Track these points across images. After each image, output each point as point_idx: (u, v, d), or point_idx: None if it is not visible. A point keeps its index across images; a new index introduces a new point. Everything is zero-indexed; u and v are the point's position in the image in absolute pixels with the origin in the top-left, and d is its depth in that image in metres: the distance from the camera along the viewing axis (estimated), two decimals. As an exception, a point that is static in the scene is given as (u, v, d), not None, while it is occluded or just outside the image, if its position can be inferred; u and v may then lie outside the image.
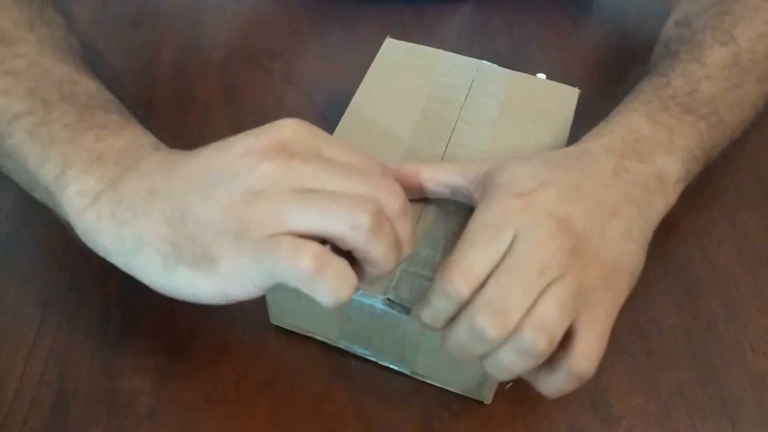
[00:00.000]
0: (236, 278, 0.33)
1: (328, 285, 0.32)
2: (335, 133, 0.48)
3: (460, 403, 0.44)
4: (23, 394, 0.43)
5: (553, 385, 0.36)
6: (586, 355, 0.35)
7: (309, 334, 0.46)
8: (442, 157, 0.47)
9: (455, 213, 0.43)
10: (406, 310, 0.40)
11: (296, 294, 0.41)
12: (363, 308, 0.41)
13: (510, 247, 0.35)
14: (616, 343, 0.46)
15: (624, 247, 0.38)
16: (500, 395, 0.44)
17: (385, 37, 0.54)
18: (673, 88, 0.46)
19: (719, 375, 0.46)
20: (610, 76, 0.64)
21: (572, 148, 0.43)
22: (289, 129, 0.34)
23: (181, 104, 0.60)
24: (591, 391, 0.44)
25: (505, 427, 0.43)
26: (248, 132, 0.35)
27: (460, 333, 0.35)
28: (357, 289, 0.34)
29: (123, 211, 0.35)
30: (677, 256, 0.51)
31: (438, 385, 0.44)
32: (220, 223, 0.33)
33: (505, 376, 0.36)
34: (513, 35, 0.67)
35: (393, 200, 0.34)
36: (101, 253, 0.37)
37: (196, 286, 0.34)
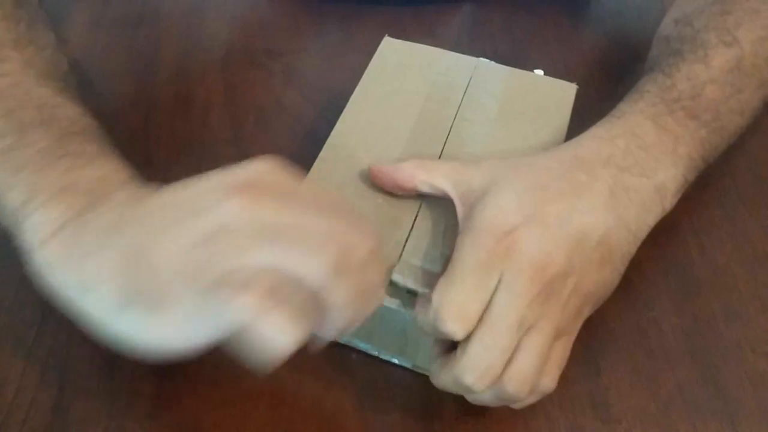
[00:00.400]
0: (184, 324, 0.32)
1: (272, 327, 0.30)
2: (333, 131, 0.48)
3: (461, 403, 0.44)
4: (23, 394, 0.43)
5: (521, 404, 0.40)
6: (552, 375, 0.38)
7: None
8: (440, 155, 0.47)
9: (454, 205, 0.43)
10: (407, 301, 0.40)
11: None
12: None
13: (494, 293, 0.37)
14: (616, 343, 0.46)
15: (602, 276, 0.40)
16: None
17: (385, 37, 0.54)
18: (678, 92, 0.46)
19: (719, 375, 0.46)
20: (609, 75, 0.64)
21: (570, 155, 0.42)
22: (260, 167, 0.34)
23: (181, 104, 0.60)
24: (591, 391, 0.44)
25: (505, 426, 0.43)
26: (220, 170, 0.34)
27: (447, 382, 0.38)
28: (318, 339, 0.34)
29: (86, 243, 0.34)
30: (677, 256, 0.51)
31: None
32: (177, 263, 0.32)
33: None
34: (513, 35, 0.67)
35: (362, 244, 0.33)
36: (53, 290, 0.35)
37: (143, 330, 0.33)
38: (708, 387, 0.45)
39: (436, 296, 0.37)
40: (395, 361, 0.45)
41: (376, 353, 0.45)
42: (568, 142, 0.45)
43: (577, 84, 0.51)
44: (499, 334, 0.36)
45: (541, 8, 0.69)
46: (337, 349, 0.45)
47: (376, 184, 0.44)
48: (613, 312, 0.46)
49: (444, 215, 0.43)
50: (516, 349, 0.36)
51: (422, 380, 0.44)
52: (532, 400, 0.39)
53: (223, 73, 0.63)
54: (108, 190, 0.36)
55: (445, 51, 0.53)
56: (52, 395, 0.43)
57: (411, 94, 0.50)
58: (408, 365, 0.45)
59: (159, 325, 0.32)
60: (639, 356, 0.46)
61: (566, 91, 0.51)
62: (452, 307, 0.36)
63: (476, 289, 0.36)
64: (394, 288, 0.41)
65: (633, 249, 0.42)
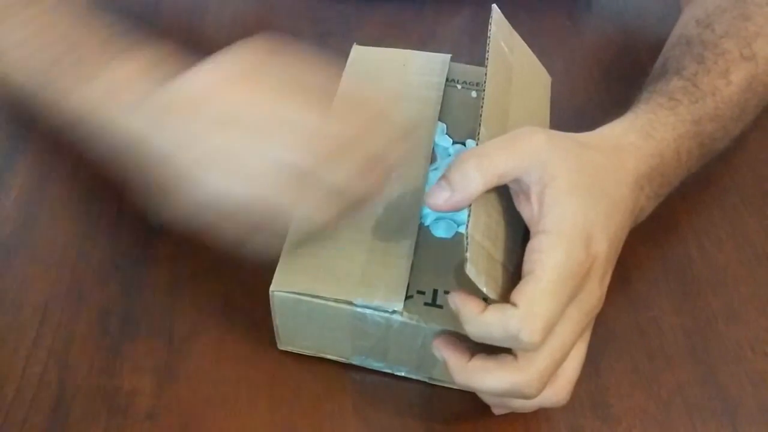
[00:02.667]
0: (258, 174, 0.38)
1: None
2: None
3: (461, 403, 0.44)
4: (23, 394, 0.43)
5: (528, 410, 0.41)
6: (568, 389, 0.39)
7: (320, 355, 0.45)
8: (431, 152, 0.47)
9: (502, 197, 0.40)
10: (426, 316, 0.40)
11: (308, 315, 0.41)
12: (380, 322, 0.41)
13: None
14: (616, 343, 0.46)
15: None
16: (500, 395, 0.44)
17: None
18: (703, 109, 0.47)
19: (719, 375, 0.46)
20: (610, 75, 0.64)
21: (615, 158, 0.42)
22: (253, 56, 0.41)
23: (181, 104, 0.60)
24: (591, 391, 0.44)
25: (506, 427, 0.43)
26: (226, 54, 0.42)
27: (495, 385, 0.37)
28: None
29: (164, 115, 0.41)
30: (677, 256, 0.51)
31: (456, 387, 0.43)
32: (257, 124, 0.39)
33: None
34: (513, 35, 0.67)
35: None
36: (148, 151, 0.42)
37: (209, 185, 0.39)
38: (708, 387, 0.45)
39: (526, 306, 0.35)
40: (411, 376, 0.44)
41: (389, 371, 0.44)
42: (609, 132, 0.44)
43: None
44: (566, 349, 0.37)
45: (541, 8, 0.69)
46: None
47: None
48: (613, 312, 0.46)
49: (496, 210, 0.40)
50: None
51: (422, 384, 0.44)
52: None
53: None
54: (172, 65, 0.43)
55: (415, 51, 0.53)
56: (52, 395, 0.43)
57: (390, 95, 0.50)
58: (423, 378, 0.44)
59: (220, 181, 0.39)
60: (639, 356, 0.46)
61: (542, 76, 0.52)
62: (543, 321, 0.35)
63: (565, 302, 0.36)
64: (410, 303, 0.40)
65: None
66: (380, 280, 0.41)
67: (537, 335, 0.35)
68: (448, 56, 0.53)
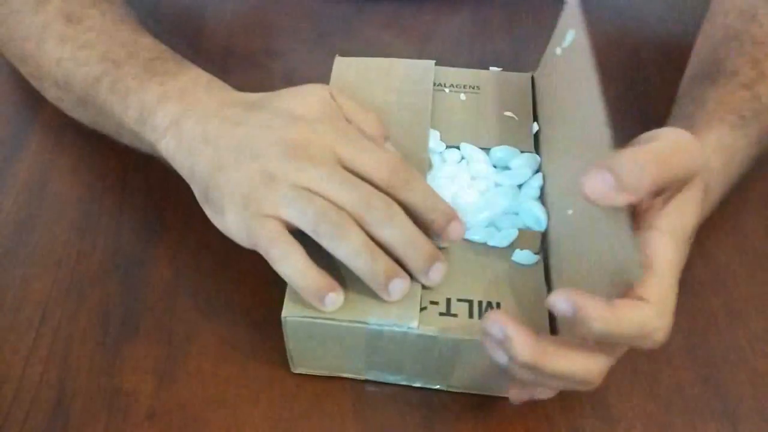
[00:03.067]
0: (234, 231, 0.42)
1: (284, 268, 0.40)
2: None
3: (461, 404, 0.44)
4: (23, 394, 0.43)
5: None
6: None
7: (334, 374, 0.44)
8: (426, 160, 0.47)
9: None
10: (444, 326, 0.40)
11: (321, 337, 0.41)
12: (396, 337, 0.40)
13: None
14: (616, 343, 0.46)
15: None
16: (500, 396, 0.44)
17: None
18: (765, 121, 0.48)
19: (719, 375, 0.46)
20: (609, 75, 0.63)
21: (703, 177, 0.40)
22: (305, 108, 0.43)
23: (181, 104, 0.60)
24: (591, 392, 0.44)
25: (506, 427, 0.43)
26: (286, 112, 0.43)
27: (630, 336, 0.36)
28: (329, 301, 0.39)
29: (184, 146, 0.44)
30: (677, 256, 0.51)
31: (474, 392, 0.44)
32: (237, 186, 0.41)
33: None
34: (513, 35, 0.67)
35: (377, 211, 0.40)
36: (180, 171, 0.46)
37: (214, 219, 0.44)
38: (708, 387, 0.45)
39: (659, 302, 0.35)
40: (428, 386, 0.44)
41: (406, 383, 0.44)
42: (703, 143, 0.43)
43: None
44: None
45: (541, 8, 0.69)
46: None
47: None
48: (613, 312, 0.46)
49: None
50: None
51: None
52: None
53: (223, 73, 0.63)
54: (196, 98, 0.46)
55: (399, 59, 0.53)
56: (52, 395, 0.43)
57: (379, 105, 0.49)
58: (442, 387, 0.44)
59: (220, 223, 0.43)
60: (639, 356, 0.46)
61: (523, 80, 0.53)
62: (672, 318, 0.36)
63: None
64: (425, 315, 0.40)
65: None
66: None
67: (667, 333, 0.36)
68: (432, 62, 0.53)
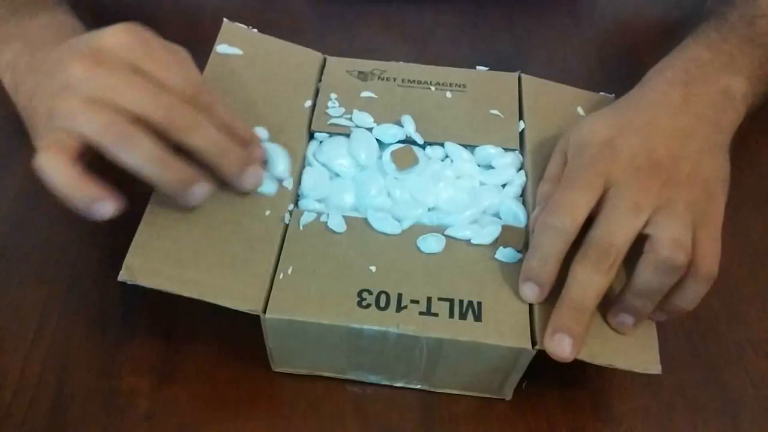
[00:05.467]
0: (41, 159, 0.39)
1: (47, 171, 0.38)
2: None
3: (461, 405, 0.44)
4: (22, 394, 0.43)
5: (691, 295, 0.40)
6: (708, 258, 0.39)
7: (316, 373, 0.44)
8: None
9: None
10: (423, 326, 0.40)
11: (302, 337, 0.40)
12: (376, 336, 0.40)
13: (605, 194, 0.40)
14: (617, 343, 0.46)
15: (709, 162, 0.42)
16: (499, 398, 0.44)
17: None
18: (731, 23, 0.50)
19: (720, 375, 0.46)
20: (610, 74, 0.64)
21: (638, 89, 0.47)
22: (113, 38, 0.41)
23: (181, 104, 0.60)
24: (592, 392, 0.44)
25: (507, 428, 0.43)
26: (91, 34, 0.42)
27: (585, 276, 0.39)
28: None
29: (16, 81, 0.46)
30: (678, 256, 0.51)
31: (457, 393, 0.44)
32: (43, 106, 0.41)
33: (649, 300, 0.40)
34: (513, 35, 0.67)
35: (181, 119, 0.39)
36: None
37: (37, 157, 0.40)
38: (709, 387, 0.45)
39: (550, 203, 0.40)
40: (409, 386, 0.44)
41: (387, 383, 0.44)
42: (635, 89, 0.47)
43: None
44: (616, 218, 0.39)
45: (541, 8, 0.69)
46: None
47: None
48: (614, 312, 0.46)
49: None
50: (650, 225, 0.39)
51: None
52: (702, 291, 0.40)
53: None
54: (43, 36, 0.48)
55: (289, 44, 0.54)
56: (50, 395, 0.43)
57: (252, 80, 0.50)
58: (423, 387, 0.44)
59: (37, 156, 0.39)
60: (640, 356, 0.46)
61: (510, 80, 0.53)
62: (564, 203, 0.40)
63: (583, 188, 0.40)
64: (406, 314, 0.40)
65: (723, 140, 0.44)
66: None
67: (565, 216, 0.40)
68: (320, 54, 0.53)
